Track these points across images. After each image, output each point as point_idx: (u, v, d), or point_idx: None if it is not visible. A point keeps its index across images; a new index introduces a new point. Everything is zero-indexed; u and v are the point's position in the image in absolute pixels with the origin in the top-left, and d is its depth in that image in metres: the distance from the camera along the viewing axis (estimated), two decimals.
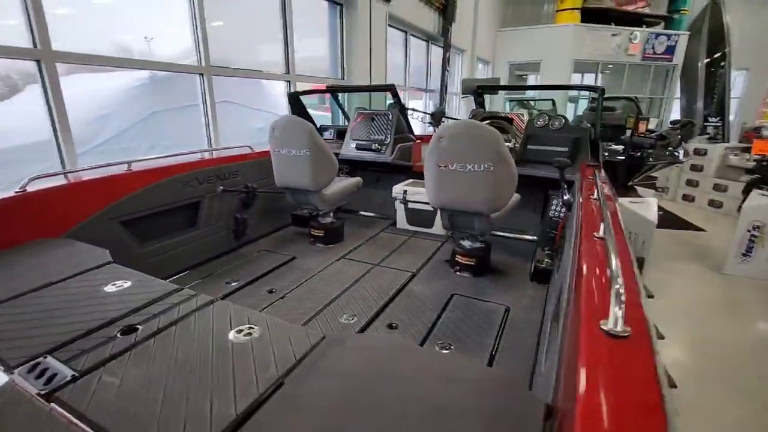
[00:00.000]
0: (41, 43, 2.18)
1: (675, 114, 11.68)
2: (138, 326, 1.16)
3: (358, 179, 3.10)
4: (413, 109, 5.20)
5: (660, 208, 5.96)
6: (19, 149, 2.62)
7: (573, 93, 10.89)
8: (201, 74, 3.17)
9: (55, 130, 2.36)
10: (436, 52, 7.73)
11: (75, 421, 0.81)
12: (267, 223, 3.16)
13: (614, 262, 0.81)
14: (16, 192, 1.79)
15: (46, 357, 1.01)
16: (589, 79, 11.51)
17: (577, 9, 10.47)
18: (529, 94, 9.74)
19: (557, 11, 10.93)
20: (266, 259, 2.64)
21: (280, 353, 1.00)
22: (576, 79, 11.31)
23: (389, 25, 5.61)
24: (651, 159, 4.43)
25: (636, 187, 5.15)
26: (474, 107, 3.51)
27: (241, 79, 3.69)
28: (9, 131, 2.57)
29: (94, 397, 0.87)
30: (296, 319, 1.90)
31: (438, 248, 2.87)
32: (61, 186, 1.96)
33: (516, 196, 2.38)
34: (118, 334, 1.12)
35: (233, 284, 2.28)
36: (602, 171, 2.40)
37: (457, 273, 2.41)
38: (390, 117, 3.35)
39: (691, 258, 4.41)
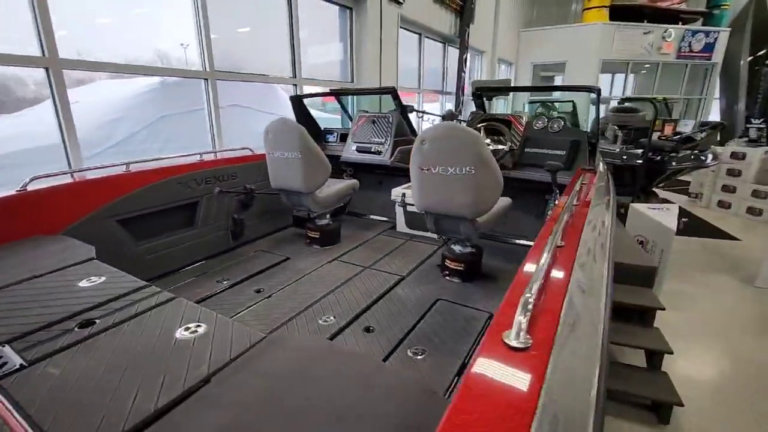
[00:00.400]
0: (49, 52, 2.31)
1: (714, 116, 10.99)
2: (96, 320, 1.19)
3: (353, 181, 3.09)
4: (424, 112, 5.15)
5: (688, 214, 5.59)
6: (45, 150, 2.80)
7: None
8: (205, 79, 3.26)
9: (62, 133, 2.49)
10: (454, 54, 7.65)
11: (9, 408, 0.83)
12: (266, 224, 3.20)
13: (536, 269, 0.76)
14: (17, 191, 1.90)
15: (4, 346, 1.06)
16: (619, 80, 11.04)
17: (605, 7, 10.08)
18: (555, 95, 9.46)
19: (584, 10, 10.57)
20: (261, 260, 2.67)
21: (217, 351, 1.02)
22: (605, 79, 10.89)
23: (401, 27, 5.60)
24: (674, 163, 4.16)
25: (664, 192, 4.85)
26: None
27: (257, 84, 3.79)
28: (36, 134, 2.76)
29: (32, 386, 0.90)
30: (277, 318, 1.90)
31: (433, 252, 2.81)
32: (60, 185, 2.05)
33: (505, 200, 2.30)
34: (76, 328, 1.15)
35: (224, 283, 2.32)
36: (608, 176, 2.27)
37: (446, 278, 2.34)
38: (390, 119, 3.34)
39: (721, 269, 4.09)
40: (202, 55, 3.19)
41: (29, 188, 1.92)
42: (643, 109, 5.26)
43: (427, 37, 6.75)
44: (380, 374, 0.91)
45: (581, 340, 0.70)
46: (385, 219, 3.53)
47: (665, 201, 4.64)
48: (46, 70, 2.33)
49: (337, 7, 4.79)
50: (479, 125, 2.87)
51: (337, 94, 3.69)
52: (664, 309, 2.31)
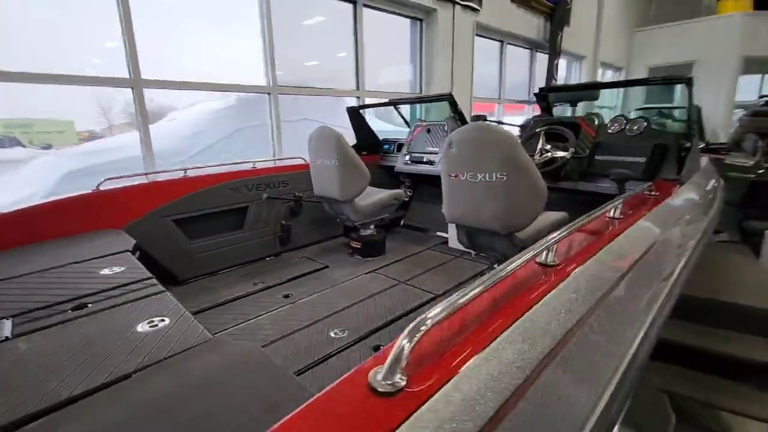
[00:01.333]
0: (133, 73, 2.72)
1: None
2: (89, 305, 1.28)
3: (397, 191, 2.96)
4: (499, 122, 4.80)
5: None
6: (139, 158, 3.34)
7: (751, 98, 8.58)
8: (268, 93, 3.50)
9: (141, 144, 2.88)
10: (543, 60, 7.04)
11: None
12: (316, 232, 3.25)
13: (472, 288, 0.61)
14: (92, 190, 2.22)
15: (8, 319, 1.19)
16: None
17: None
18: (676, 100, 8.07)
19: (719, 0, 8.87)
20: (301, 266, 2.70)
21: (159, 347, 1.02)
22: (749, 81, 8.90)
23: (478, 35, 5.35)
24: None
25: None
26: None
27: (327, 99, 4.00)
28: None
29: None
30: (291, 326, 1.89)
31: (480, 272, 2.52)
32: (126, 187, 2.35)
33: (556, 215, 1.94)
34: (70, 310, 1.25)
35: (258, 285, 2.39)
36: (714, 192, 1.76)
37: None
38: (446, 128, 3.17)
39: None
40: (267, 72, 3.44)
41: (102, 188, 2.23)
42: None
43: (511, 44, 6.34)
44: (288, 391, 0.80)
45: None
46: (439, 234, 3.33)
47: None
48: (132, 89, 2.74)
49: (409, 21, 4.78)
50: (539, 130, 2.52)
51: (395, 103, 3.64)
52: None
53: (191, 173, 2.59)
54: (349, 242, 2.92)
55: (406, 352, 0.51)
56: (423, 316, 0.55)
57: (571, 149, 2.29)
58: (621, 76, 9.76)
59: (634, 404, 1.70)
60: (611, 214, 1.16)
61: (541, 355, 0.59)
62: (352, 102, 4.48)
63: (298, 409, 0.47)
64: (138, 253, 1.86)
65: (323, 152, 2.59)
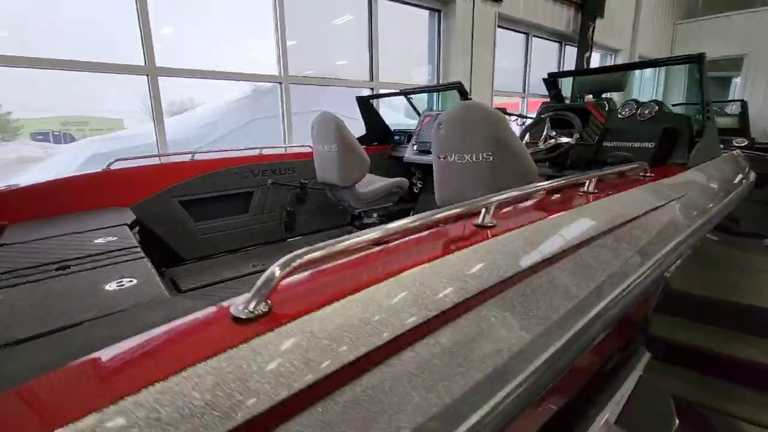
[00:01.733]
0: (149, 62, 2.84)
1: None
2: (72, 267, 1.35)
3: (400, 179, 2.92)
4: (520, 115, 4.64)
5: None
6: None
7: None
8: (280, 83, 3.56)
9: (155, 129, 3.01)
10: (573, 53, 6.74)
11: None
12: (323, 219, 3.27)
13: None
14: (102, 170, 2.34)
15: None
16: None
17: None
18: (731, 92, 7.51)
19: None
20: None
21: (118, 303, 1.05)
22: None
23: (501, 26, 5.19)
24: None
25: None
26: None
27: (343, 90, 4.04)
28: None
29: None
30: None
31: None
32: (134, 167, 2.46)
33: None
34: (54, 270, 1.32)
35: (258, 267, 2.44)
36: (734, 173, 1.62)
37: None
38: None
39: None
40: (279, 62, 3.50)
41: (112, 167, 2.35)
42: None
43: (537, 36, 6.11)
44: None
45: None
46: None
47: None
48: (147, 76, 2.87)
49: (427, 12, 4.72)
50: (544, 116, 2.41)
51: (406, 93, 3.60)
52: None
53: (198, 157, 2.67)
54: (352, 231, 2.91)
55: (273, 283, 0.50)
56: (302, 250, 0.54)
57: (576, 135, 2.18)
58: (660, 71, 9.20)
59: (636, 405, 1.59)
60: (585, 188, 1.08)
61: (429, 313, 0.55)
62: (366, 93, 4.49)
63: (162, 329, 0.47)
64: (137, 228, 1.93)
65: (324, 138, 2.60)
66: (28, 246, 1.56)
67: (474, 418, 0.50)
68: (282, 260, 0.51)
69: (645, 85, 9.02)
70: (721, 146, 2.46)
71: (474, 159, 1.63)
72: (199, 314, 0.51)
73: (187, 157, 2.64)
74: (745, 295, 1.99)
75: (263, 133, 3.91)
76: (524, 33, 5.89)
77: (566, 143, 2.21)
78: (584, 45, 6.47)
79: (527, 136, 2.50)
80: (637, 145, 1.98)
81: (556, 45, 6.63)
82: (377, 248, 0.69)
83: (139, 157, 2.54)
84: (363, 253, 0.67)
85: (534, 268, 0.71)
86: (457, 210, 0.74)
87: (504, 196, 0.84)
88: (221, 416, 0.36)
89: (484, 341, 0.58)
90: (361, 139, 3.08)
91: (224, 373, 0.39)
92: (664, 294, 1.88)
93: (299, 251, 0.53)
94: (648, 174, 1.38)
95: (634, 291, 0.91)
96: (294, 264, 0.51)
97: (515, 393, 0.55)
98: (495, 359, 0.56)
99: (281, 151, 3.10)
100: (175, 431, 0.34)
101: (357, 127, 2.67)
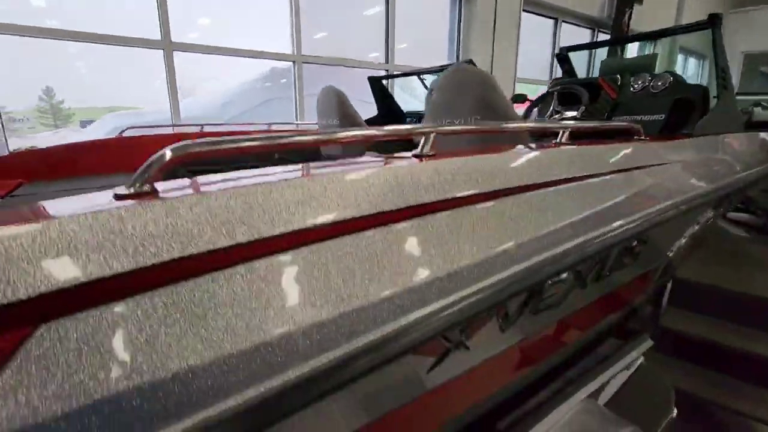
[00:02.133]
0: (164, 36, 2.93)
1: None
2: None
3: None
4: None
5: None
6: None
7: None
8: (293, 62, 3.59)
9: (170, 102, 3.11)
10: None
11: None
12: None
13: None
14: (115, 137, 2.45)
15: None
16: None
17: None
18: None
19: None
20: None
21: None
22: None
23: (527, 10, 4.99)
24: None
25: None
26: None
27: (360, 72, 4.06)
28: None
29: None
30: None
31: None
32: (144, 136, 2.55)
33: None
34: None
35: None
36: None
37: None
38: None
39: None
40: (293, 42, 3.53)
41: (124, 135, 2.45)
42: None
43: (566, 22, 5.84)
44: None
45: None
46: None
47: None
48: (163, 50, 2.96)
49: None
50: (551, 90, 2.30)
51: (419, 73, 3.54)
52: None
53: (208, 129, 2.74)
54: None
55: (160, 164, 0.48)
56: (203, 140, 0.52)
57: (581, 107, 2.06)
58: (705, 63, 8.59)
59: (633, 392, 1.50)
60: (558, 138, 1.00)
61: (326, 220, 0.52)
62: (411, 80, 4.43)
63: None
64: None
65: (327, 111, 2.59)
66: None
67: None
68: (177, 144, 0.49)
69: (690, 78, 8.46)
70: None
71: (462, 123, 1.58)
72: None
73: (196, 129, 2.71)
74: (760, 289, 1.85)
75: (278, 113, 3.97)
76: (552, 18, 5.65)
77: (570, 117, 2.10)
78: (619, 32, 6.13)
79: (534, 112, 2.40)
80: (646, 118, 1.85)
81: (587, 32, 6.32)
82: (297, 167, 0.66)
83: (151, 126, 2.63)
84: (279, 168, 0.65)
85: (467, 199, 0.66)
86: (393, 128, 0.71)
87: (449, 128, 0.79)
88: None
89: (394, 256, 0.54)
90: (372, 120, 3.06)
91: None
92: (676, 286, 1.76)
93: (199, 140, 0.51)
94: (642, 138, 1.27)
95: (584, 250, 0.80)
96: (189, 150, 0.49)
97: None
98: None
99: (291, 127, 3.12)
100: None
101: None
